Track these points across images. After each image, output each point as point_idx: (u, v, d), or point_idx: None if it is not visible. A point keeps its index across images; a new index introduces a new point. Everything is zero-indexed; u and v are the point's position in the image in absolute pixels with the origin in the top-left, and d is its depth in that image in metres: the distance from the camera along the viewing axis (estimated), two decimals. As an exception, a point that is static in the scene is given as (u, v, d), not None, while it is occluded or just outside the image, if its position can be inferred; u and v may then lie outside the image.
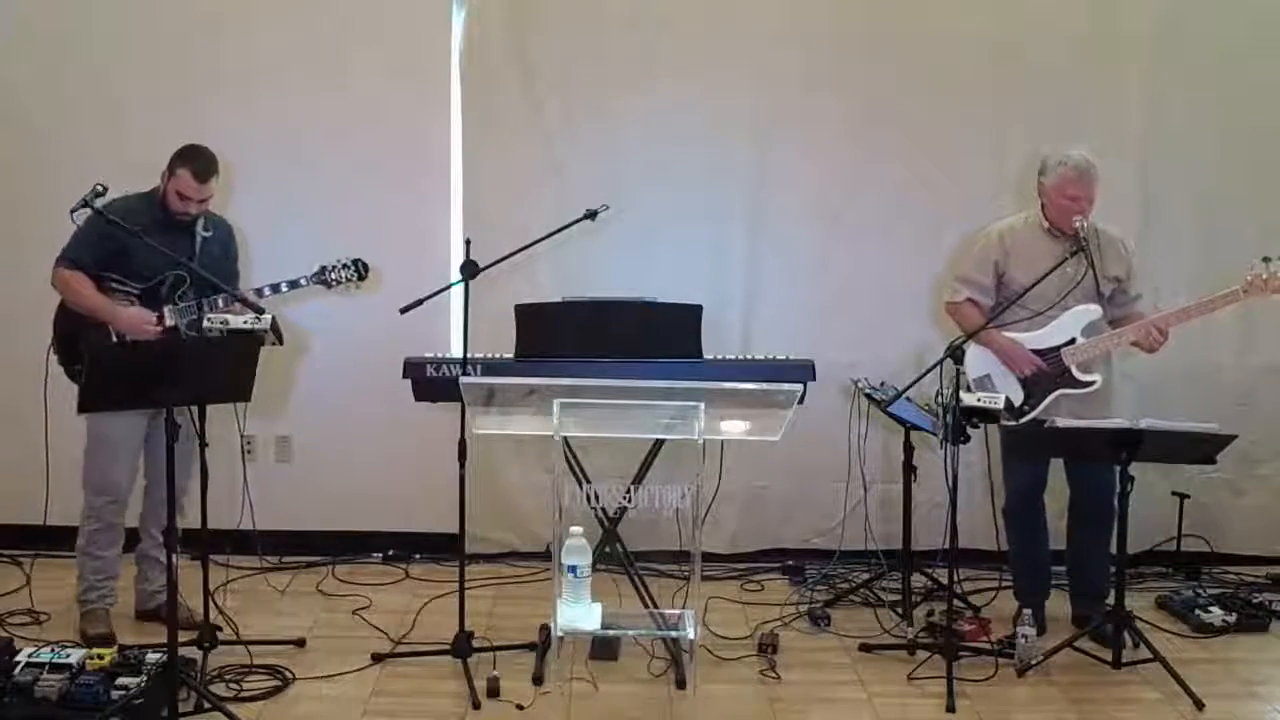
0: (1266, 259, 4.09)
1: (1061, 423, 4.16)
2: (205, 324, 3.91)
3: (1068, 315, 4.30)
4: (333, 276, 4.30)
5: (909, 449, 4.59)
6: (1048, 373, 4.32)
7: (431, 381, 4.16)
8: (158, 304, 4.13)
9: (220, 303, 4.10)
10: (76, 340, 4.09)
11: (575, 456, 4.07)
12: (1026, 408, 4.35)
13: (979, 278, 4.43)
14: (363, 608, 4.66)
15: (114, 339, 4.08)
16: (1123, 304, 4.41)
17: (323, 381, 5.16)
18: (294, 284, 4.28)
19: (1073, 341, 4.31)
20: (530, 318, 4.13)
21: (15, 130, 5.02)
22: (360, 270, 4.33)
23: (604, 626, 3.39)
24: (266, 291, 4.23)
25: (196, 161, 4.10)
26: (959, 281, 4.48)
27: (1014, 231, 4.41)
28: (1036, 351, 4.33)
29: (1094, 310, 4.31)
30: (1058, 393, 4.33)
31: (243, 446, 4.42)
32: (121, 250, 4.06)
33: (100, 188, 3.94)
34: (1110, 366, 4.44)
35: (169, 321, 4.11)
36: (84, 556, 4.27)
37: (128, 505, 4.30)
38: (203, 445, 3.89)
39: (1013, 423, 4.34)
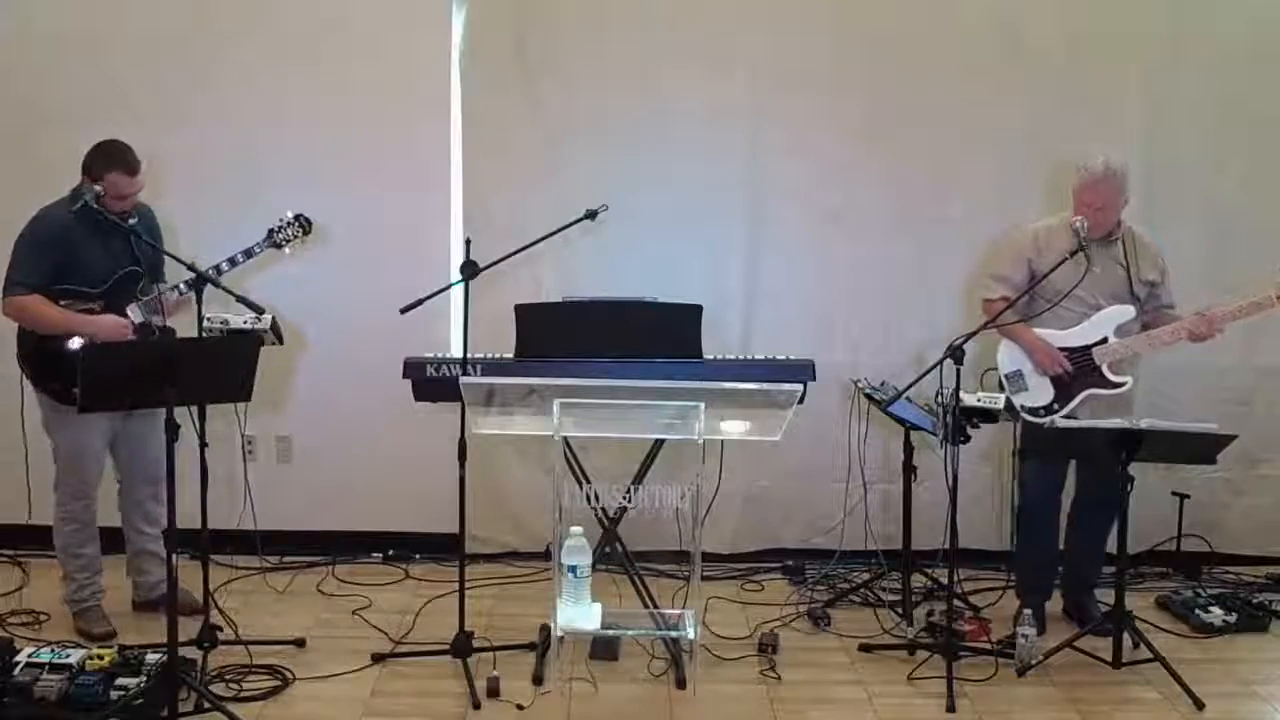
0: None
1: (1061, 423, 4.17)
2: (205, 324, 3.92)
3: (1100, 315, 4.31)
4: (280, 237, 4.29)
5: (909, 449, 4.59)
6: (1073, 373, 4.32)
7: (431, 381, 4.16)
8: (119, 304, 4.12)
9: (182, 289, 4.08)
10: (45, 357, 4.06)
11: (575, 456, 4.07)
12: (1056, 406, 4.36)
13: (1012, 275, 4.43)
14: (363, 608, 4.66)
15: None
16: (1154, 308, 4.42)
17: (323, 381, 5.15)
18: (249, 253, 4.23)
19: (1104, 341, 4.32)
20: (530, 318, 4.13)
21: (15, 131, 5.01)
22: (305, 226, 4.32)
23: (604, 626, 3.40)
24: (225, 266, 4.17)
25: (121, 160, 4.04)
26: (993, 279, 4.49)
27: (1049, 231, 4.40)
28: (1067, 350, 4.33)
29: (1127, 311, 4.32)
30: (1087, 392, 4.33)
31: (243, 446, 4.43)
32: (69, 259, 4.04)
33: (101, 188, 3.94)
34: (1138, 370, 4.44)
35: (137, 319, 4.12)
36: (67, 557, 4.30)
37: (97, 503, 4.32)
38: (203, 445, 3.89)
39: (1038, 420, 4.35)
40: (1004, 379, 4.41)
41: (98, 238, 4.06)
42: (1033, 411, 4.38)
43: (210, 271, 4.07)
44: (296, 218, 4.31)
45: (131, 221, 4.15)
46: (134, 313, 4.12)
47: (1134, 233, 4.36)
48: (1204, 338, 4.26)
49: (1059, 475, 4.47)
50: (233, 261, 4.21)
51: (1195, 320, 4.24)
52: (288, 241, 4.30)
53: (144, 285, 4.17)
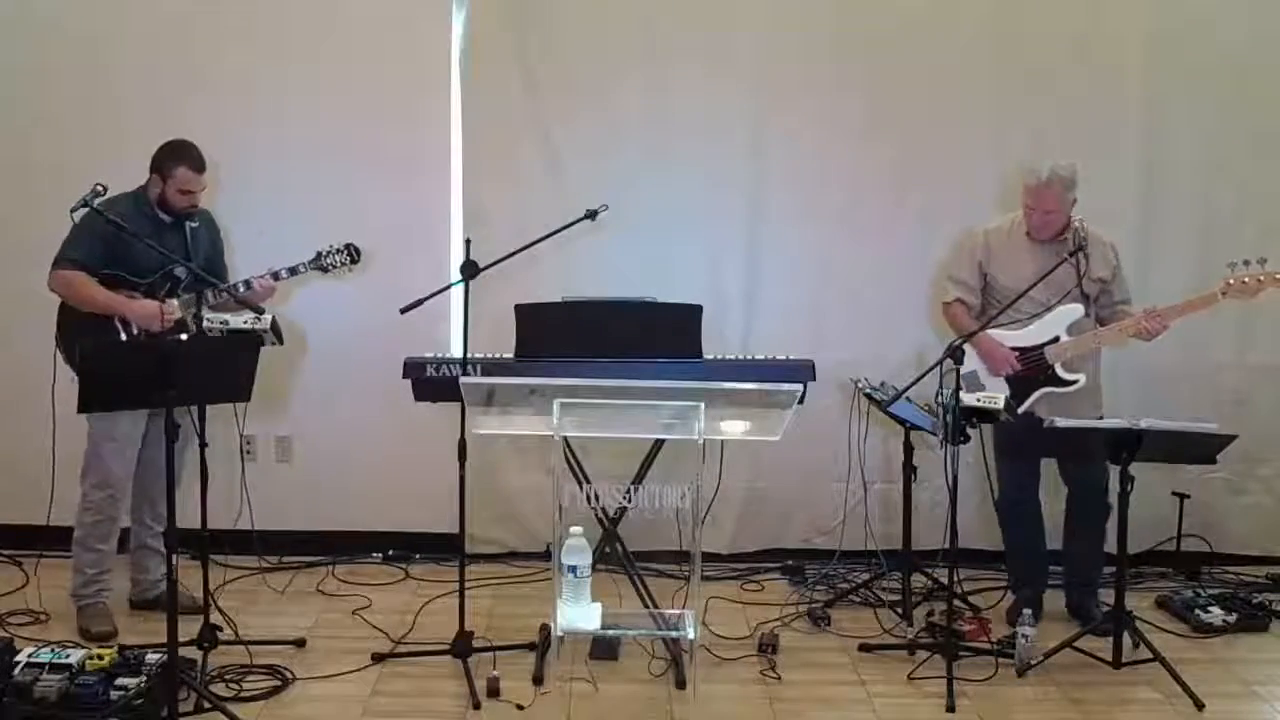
0: (1232, 264, 4.16)
1: (1061, 423, 4.17)
2: (205, 323, 3.92)
3: (1051, 315, 4.36)
4: (328, 261, 4.37)
5: (909, 449, 4.59)
6: (1025, 374, 4.36)
7: (431, 381, 4.16)
8: (161, 299, 4.14)
9: (211, 297, 4.11)
10: (84, 336, 4.09)
11: (575, 456, 4.07)
12: (1012, 404, 4.37)
13: (965, 277, 4.53)
14: (363, 608, 4.66)
15: (123, 335, 4.12)
16: (1108, 305, 4.45)
17: (323, 381, 5.15)
18: (293, 270, 4.33)
19: (1056, 340, 4.34)
20: (530, 318, 4.13)
21: (15, 130, 5.01)
22: (353, 254, 4.41)
23: (604, 626, 3.40)
24: (267, 279, 4.25)
25: (190, 155, 4.19)
26: (949, 281, 4.59)
27: (999, 233, 4.50)
28: (1020, 349, 4.37)
29: (1077, 310, 4.36)
30: (1041, 391, 4.38)
31: (242, 446, 4.43)
32: (121, 250, 4.09)
33: (100, 188, 3.94)
34: (1098, 366, 4.46)
35: (177, 314, 4.14)
36: (81, 549, 4.30)
37: (126, 500, 4.34)
38: (203, 445, 3.89)
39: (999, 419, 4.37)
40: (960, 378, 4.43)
41: (155, 235, 4.10)
42: None
43: (250, 280, 4.21)
44: (347, 246, 4.39)
45: (194, 225, 4.27)
46: (173, 306, 4.14)
47: (1086, 231, 4.36)
48: (1152, 334, 4.30)
49: (1033, 469, 4.52)
50: (275, 276, 4.29)
51: (1143, 317, 4.28)
52: (334, 267, 4.38)
53: (188, 282, 4.17)
